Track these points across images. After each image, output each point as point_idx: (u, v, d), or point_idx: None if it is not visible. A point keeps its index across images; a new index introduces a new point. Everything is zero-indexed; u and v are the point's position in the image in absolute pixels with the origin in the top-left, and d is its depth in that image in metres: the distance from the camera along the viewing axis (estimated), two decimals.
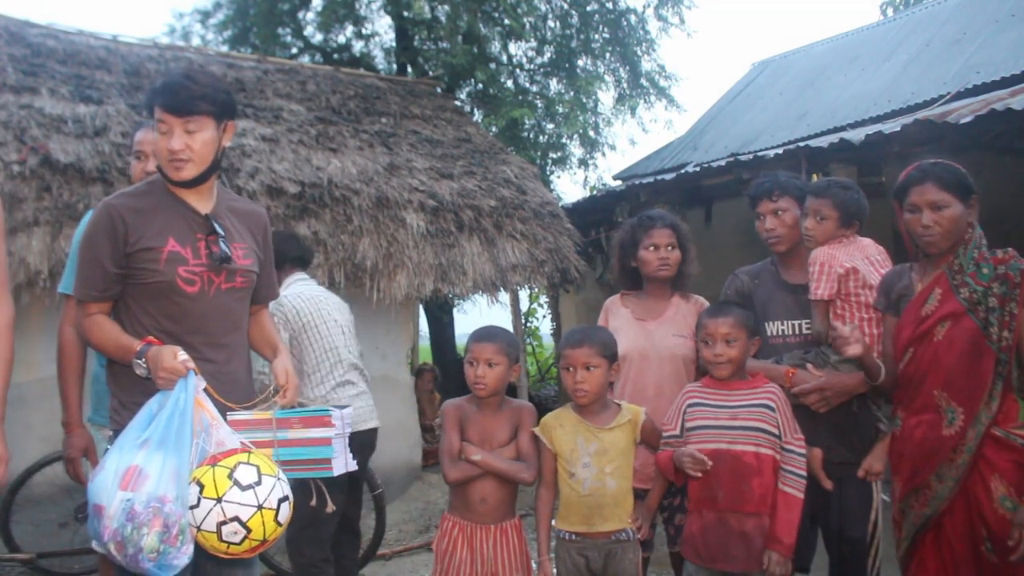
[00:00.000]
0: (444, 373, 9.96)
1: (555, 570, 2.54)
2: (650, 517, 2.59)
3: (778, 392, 2.48)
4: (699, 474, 2.38)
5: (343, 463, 2.21)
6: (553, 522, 2.56)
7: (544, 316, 12.78)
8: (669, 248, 2.94)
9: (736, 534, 2.39)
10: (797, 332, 2.68)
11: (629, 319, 2.97)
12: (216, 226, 2.14)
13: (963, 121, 4.54)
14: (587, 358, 2.48)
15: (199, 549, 1.86)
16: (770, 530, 2.38)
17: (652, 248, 2.94)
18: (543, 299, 12.17)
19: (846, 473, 2.55)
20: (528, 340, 12.38)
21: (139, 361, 1.98)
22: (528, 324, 12.83)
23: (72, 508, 4.28)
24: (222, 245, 2.12)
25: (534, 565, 2.56)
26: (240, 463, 1.88)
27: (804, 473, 2.41)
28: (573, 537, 2.48)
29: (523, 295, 10.38)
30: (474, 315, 10.71)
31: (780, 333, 2.70)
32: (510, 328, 4.73)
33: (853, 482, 2.55)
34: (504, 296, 6.92)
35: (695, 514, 2.48)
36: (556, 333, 9.73)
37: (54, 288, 4.64)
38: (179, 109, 2.04)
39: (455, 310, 10.93)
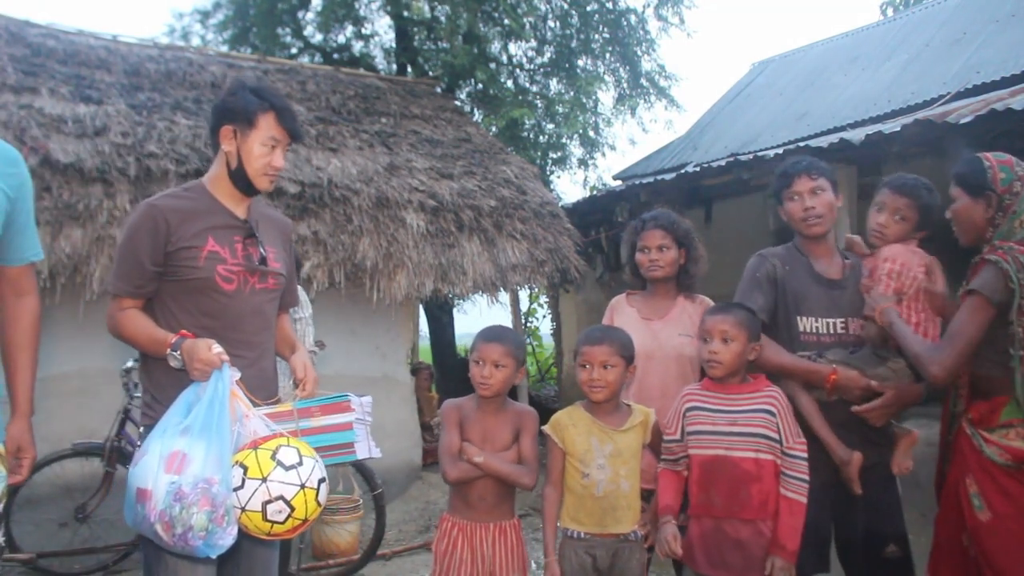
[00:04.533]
0: (444, 373, 9.97)
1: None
2: (656, 522, 2.58)
3: (779, 396, 2.44)
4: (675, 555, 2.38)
5: (366, 448, 2.28)
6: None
7: (544, 316, 12.80)
8: (661, 249, 2.94)
9: (732, 542, 2.36)
10: (832, 331, 2.57)
11: (635, 318, 2.97)
12: (255, 231, 2.27)
13: (963, 121, 4.54)
14: (606, 356, 2.47)
15: (239, 533, 1.92)
16: (773, 536, 2.35)
17: (644, 250, 2.97)
18: (543, 299, 12.18)
19: (874, 475, 2.53)
20: (528, 340, 12.39)
21: (174, 353, 2.05)
22: (528, 324, 12.84)
23: (72, 508, 4.28)
24: (260, 248, 2.25)
25: (533, 565, 2.55)
26: (281, 445, 1.96)
27: (806, 477, 2.37)
28: (582, 536, 2.46)
29: (523, 295, 10.39)
30: (474, 315, 10.72)
31: (814, 330, 2.58)
32: None
33: (879, 483, 2.54)
34: (504, 296, 6.92)
35: (694, 520, 2.44)
36: (556, 333, 9.73)
37: (54, 288, 4.65)
38: (295, 134, 2.28)
39: (455, 310, 10.94)
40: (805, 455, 2.39)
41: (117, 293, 2.18)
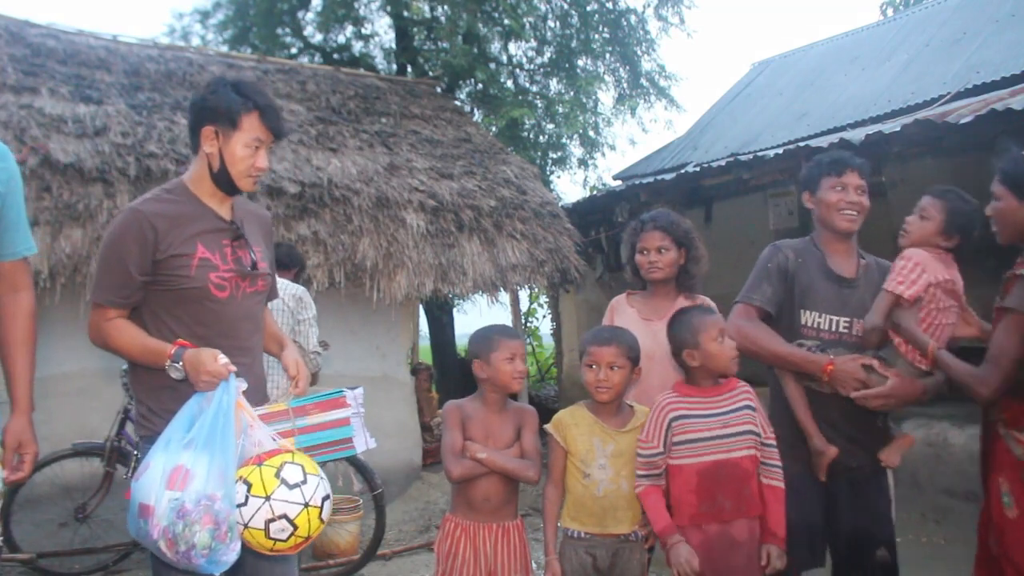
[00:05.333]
0: (444, 373, 9.96)
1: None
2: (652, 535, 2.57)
3: (752, 391, 2.48)
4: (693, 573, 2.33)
5: (363, 441, 2.28)
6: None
7: (544, 316, 12.81)
8: (660, 251, 2.92)
9: (738, 544, 2.36)
10: (834, 328, 2.54)
11: (635, 319, 2.96)
12: (243, 233, 2.21)
13: (963, 121, 4.54)
14: (613, 358, 2.47)
15: (242, 547, 1.91)
16: (764, 526, 2.38)
17: (643, 252, 2.96)
18: (543, 299, 12.19)
19: (861, 476, 2.54)
20: (528, 340, 12.39)
21: (176, 364, 2.00)
22: (528, 324, 12.85)
23: (72, 508, 4.28)
24: (251, 253, 2.21)
25: (534, 565, 2.55)
26: (286, 462, 1.94)
27: (780, 463, 2.42)
28: (582, 535, 2.46)
29: (523, 295, 10.39)
30: (474, 315, 10.73)
31: (814, 325, 2.55)
32: None
33: (868, 485, 2.55)
34: (504, 296, 6.93)
35: (693, 530, 2.36)
36: (556, 333, 9.73)
37: (54, 288, 4.66)
38: (279, 133, 2.22)
39: (455, 310, 10.94)
40: (774, 443, 2.44)
41: (101, 303, 2.09)
